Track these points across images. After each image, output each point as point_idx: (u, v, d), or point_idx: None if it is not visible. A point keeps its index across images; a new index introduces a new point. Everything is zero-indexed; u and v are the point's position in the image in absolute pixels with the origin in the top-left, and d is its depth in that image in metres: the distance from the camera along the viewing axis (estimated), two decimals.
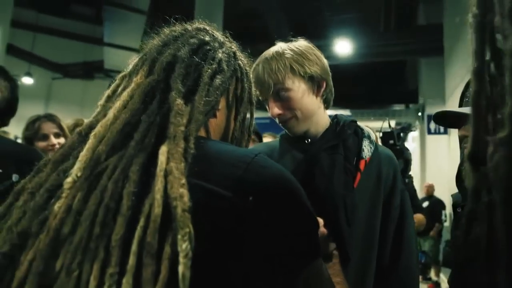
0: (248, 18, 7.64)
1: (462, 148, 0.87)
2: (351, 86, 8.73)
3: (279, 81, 0.91)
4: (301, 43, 0.97)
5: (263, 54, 0.97)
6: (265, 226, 0.46)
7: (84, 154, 0.47)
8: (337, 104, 8.34)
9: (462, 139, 0.86)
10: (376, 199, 0.94)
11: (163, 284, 0.39)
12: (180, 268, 0.39)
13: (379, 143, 2.04)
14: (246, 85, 0.65)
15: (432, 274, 5.63)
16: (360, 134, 0.97)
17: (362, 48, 7.01)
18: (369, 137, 0.97)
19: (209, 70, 0.57)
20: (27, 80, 7.80)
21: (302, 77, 0.93)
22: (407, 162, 1.77)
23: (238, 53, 0.66)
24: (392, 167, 0.98)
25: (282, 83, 0.92)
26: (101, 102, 0.57)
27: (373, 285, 0.92)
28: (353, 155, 0.93)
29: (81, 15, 8.16)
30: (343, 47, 6.83)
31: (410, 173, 1.97)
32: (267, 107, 0.97)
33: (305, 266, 0.47)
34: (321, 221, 0.78)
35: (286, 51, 0.94)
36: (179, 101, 0.51)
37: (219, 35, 0.65)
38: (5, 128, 1.57)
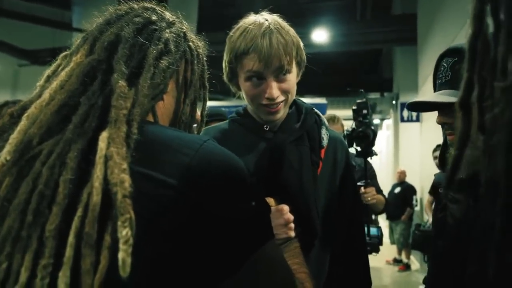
0: (224, 5, 7.52)
1: (444, 134, 0.85)
2: (327, 75, 8.79)
3: (288, 60, 0.83)
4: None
5: (255, 21, 0.85)
6: (213, 213, 0.45)
7: (14, 137, 0.44)
8: (313, 92, 8.40)
9: (442, 126, 0.85)
10: (333, 184, 0.96)
11: (102, 275, 0.38)
12: (120, 255, 0.37)
13: (345, 128, 2.08)
14: (196, 67, 0.62)
15: (403, 256, 5.87)
16: (319, 122, 0.96)
17: (338, 36, 7.05)
18: (325, 124, 0.98)
19: (154, 51, 0.53)
20: None
21: (299, 61, 0.89)
22: (375, 134, 1.85)
23: (189, 34, 0.63)
24: (344, 150, 1.01)
25: (290, 63, 0.84)
26: (40, 82, 0.53)
27: (329, 260, 0.95)
28: (317, 146, 0.93)
29: None
30: (320, 35, 6.84)
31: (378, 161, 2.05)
32: (243, 86, 0.87)
33: (253, 250, 0.47)
34: (285, 207, 0.79)
35: (287, 28, 0.86)
36: (122, 83, 0.48)
37: (168, 14, 0.62)
38: None
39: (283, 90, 0.85)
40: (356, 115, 1.86)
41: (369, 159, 1.96)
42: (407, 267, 5.72)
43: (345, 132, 1.95)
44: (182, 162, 0.45)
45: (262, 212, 0.52)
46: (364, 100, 1.85)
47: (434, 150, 3.62)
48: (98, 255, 0.39)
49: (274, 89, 0.83)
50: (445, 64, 0.82)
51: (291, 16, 0.93)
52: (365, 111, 1.84)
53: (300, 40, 0.89)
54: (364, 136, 1.82)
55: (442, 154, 0.87)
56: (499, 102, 0.28)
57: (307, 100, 1.01)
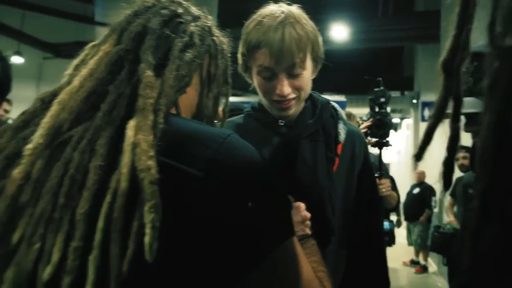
0: (244, 0, 7.48)
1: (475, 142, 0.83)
2: (347, 72, 8.67)
3: (302, 56, 0.79)
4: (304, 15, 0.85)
5: (271, 12, 0.82)
6: (236, 207, 0.45)
7: (46, 121, 0.45)
8: (332, 90, 8.30)
9: (472, 134, 0.83)
10: (351, 181, 0.94)
11: (130, 259, 0.39)
12: (146, 239, 0.38)
13: (361, 125, 2.06)
14: (220, 62, 0.62)
15: (421, 258, 5.76)
16: (335, 117, 0.94)
17: (358, 33, 6.93)
18: (342, 118, 0.95)
19: (179, 44, 0.54)
20: (17, 60, 7.62)
21: (315, 57, 0.86)
22: (391, 124, 1.82)
23: (214, 30, 0.63)
24: (363, 144, 0.98)
25: (304, 59, 0.81)
26: (68, 71, 0.55)
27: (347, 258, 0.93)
28: (333, 141, 0.90)
29: None
30: (339, 31, 6.74)
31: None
32: (255, 79, 0.85)
33: (275, 246, 0.47)
34: (302, 205, 0.78)
35: (304, 22, 0.82)
36: (149, 73, 0.49)
37: (194, 9, 0.62)
38: None
39: (295, 87, 0.83)
40: (373, 103, 1.84)
41: (384, 153, 1.92)
42: (424, 269, 5.61)
43: (360, 122, 1.92)
44: (206, 155, 0.45)
45: (284, 208, 0.51)
46: (381, 88, 1.83)
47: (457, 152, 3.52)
48: (126, 239, 0.39)
49: (285, 86, 0.81)
50: (464, 70, 0.78)
51: (310, 11, 0.90)
52: (382, 99, 1.82)
53: (318, 34, 0.85)
54: (381, 125, 1.79)
55: (472, 153, 0.86)
56: (490, 69, 0.25)
57: (325, 97, 0.98)
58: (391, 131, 1.88)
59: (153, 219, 0.39)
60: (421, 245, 5.64)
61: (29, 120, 0.49)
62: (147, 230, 0.39)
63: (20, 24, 7.83)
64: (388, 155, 1.96)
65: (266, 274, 0.46)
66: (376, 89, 1.84)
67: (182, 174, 0.44)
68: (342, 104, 6.83)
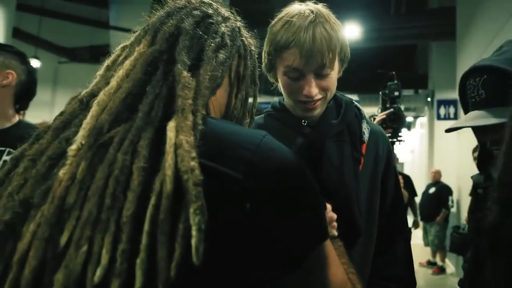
0: (256, 1, 7.49)
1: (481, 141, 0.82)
2: (360, 71, 8.58)
3: (331, 57, 0.79)
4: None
5: (299, 12, 0.80)
6: (274, 209, 0.45)
7: (88, 122, 0.45)
8: (345, 89, 8.22)
9: (491, 143, 0.81)
10: (375, 181, 0.92)
11: (178, 262, 0.38)
12: (193, 242, 0.38)
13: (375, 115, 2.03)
14: (249, 63, 0.62)
15: (438, 259, 5.66)
16: (359, 116, 0.93)
17: (371, 31, 6.85)
18: (365, 118, 0.94)
19: (212, 44, 0.54)
20: (34, 64, 7.80)
21: (342, 58, 0.85)
22: (404, 119, 1.79)
23: (243, 30, 0.63)
24: (386, 144, 0.96)
25: (333, 60, 0.80)
26: (100, 72, 0.55)
27: (372, 258, 0.92)
28: (358, 141, 0.90)
29: None
30: (352, 30, 6.68)
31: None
32: (281, 79, 0.85)
33: (312, 249, 0.47)
34: (329, 206, 0.77)
35: (333, 21, 0.81)
36: (186, 73, 0.48)
37: (223, 10, 0.62)
38: None
39: (322, 87, 0.82)
40: (386, 98, 1.81)
41: (397, 149, 1.89)
42: (441, 270, 5.51)
43: (371, 120, 1.90)
44: (244, 156, 0.45)
45: (319, 210, 0.51)
46: (395, 82, 1.79)
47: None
48: (173, 242, 0.39)
49: (313, 88, 0.80)
50: (474, 83, 0.78)
51: None
52: (396, 93, 1.78)
53: (344, 33, 0.84)
54: (396, 118, 1.75)
55: (480, 156, 0.84)
56: None
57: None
58: (404, 129, 1.84)
59: (199, 221, 0.38)
60: (438, 246, 5.54)
61: (69, 121, 0.48)
62: (194, 233, 0.38)
63: (37, 29, 8.02)
64: (402, 154, 1.91)
65: (300, 277, 0.46)
66: (389, 83, 1.80)
67: (221, 176, 0.43)
68: None
